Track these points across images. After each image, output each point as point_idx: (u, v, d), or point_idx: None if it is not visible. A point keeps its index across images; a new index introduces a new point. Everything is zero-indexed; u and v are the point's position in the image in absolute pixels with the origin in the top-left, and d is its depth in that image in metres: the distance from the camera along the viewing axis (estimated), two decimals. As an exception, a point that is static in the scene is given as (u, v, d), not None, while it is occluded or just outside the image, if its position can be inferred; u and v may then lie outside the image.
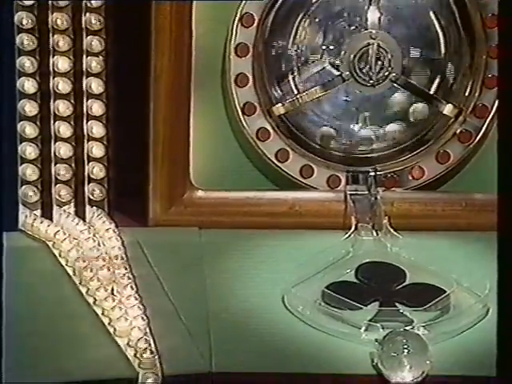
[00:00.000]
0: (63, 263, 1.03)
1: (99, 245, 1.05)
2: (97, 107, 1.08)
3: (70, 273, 1.02)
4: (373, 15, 1.10)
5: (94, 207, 1.11)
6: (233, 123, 1.12)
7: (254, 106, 1.11)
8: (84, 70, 1.07)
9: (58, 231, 1.07)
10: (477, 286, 1.00)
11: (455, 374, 0.91)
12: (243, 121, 1.11)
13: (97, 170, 1.10)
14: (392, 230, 1.09)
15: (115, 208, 1.11)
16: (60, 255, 1.05)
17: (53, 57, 1.06)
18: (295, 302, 0.98)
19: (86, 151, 1.09)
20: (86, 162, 1.09)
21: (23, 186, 1.08)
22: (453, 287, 1.00)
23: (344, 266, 1.04)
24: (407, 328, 0.94)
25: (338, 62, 1.11)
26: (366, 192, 1.12)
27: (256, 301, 0.99)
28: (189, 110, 1.10)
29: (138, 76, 1.09)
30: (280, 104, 1.12)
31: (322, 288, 0.99)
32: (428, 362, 0.90)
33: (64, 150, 1.09)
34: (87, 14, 1.06)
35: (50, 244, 1.06)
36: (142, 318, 0.95)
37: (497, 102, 1.10)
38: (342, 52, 1.11)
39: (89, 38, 1.06)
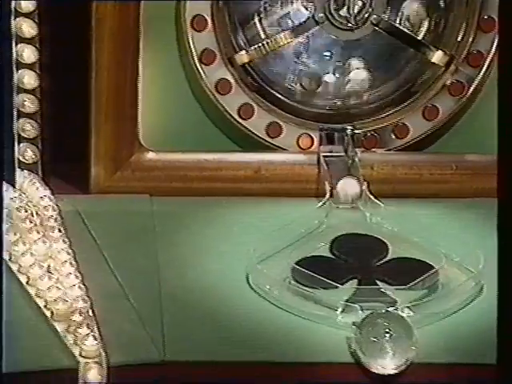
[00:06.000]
0: (-10, 236, 1.04)
1: (32, 215, 1.04)
2: (29, 53, 1.07)
3: (-2, 248, 1.02)
4: None
5: (26, 171, 1.10)
6: (188, 73, 1.12)
7: (213, 53, 1.11)
8: (12, 8, 1.05)
9: (-16, 199, 1.07)
10: (469, 260, 1.01)
11: (444, 362, 0.91)
12: (201, 70, 1.11)
13: (29, 128, 1.09)
14: (372, 197, 1.09)
15: (51, 172, 1.10)
16: (-14, 227, 1.05)
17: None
18: (261, 280, 0.99)
19: (15, 105, 1.08)
20: (15, 117, 1.08)
21: None
22: (441, 262, 1.00)
23: (317, 238, 1.04)
24: (389, 309, 0.94)
25: (310, 3, 1.11)
26: (343, 153, 1.12)
27: (216, 279, 0.99)
28: (137, 57, 1.10)
29: (77, 17, 1.08)
30: (244, 51, 1.12)
31: (291, 264, 0.99)
32: (413, 347, 0.91)
33: (-11, 103, 1.08)
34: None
35: (-27, 214, 1.06)
36: (84, 299, 0.94)
37: (496, 49, 1.11)
38: (316, -10, 1.11)
39: (19, -30, 1.06)
